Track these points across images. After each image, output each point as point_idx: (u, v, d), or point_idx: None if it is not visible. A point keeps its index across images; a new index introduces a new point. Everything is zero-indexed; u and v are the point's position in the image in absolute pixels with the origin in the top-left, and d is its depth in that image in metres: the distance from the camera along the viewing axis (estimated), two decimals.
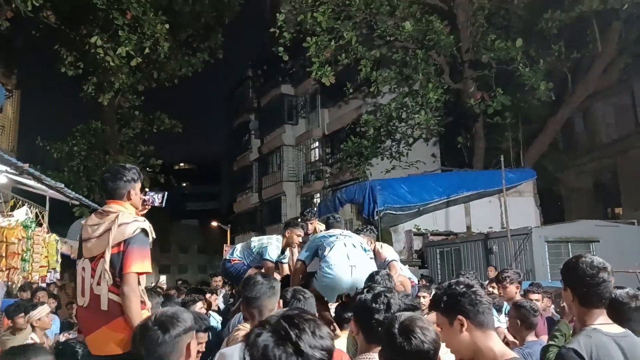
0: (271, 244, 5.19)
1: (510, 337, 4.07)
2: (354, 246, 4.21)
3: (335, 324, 3.53)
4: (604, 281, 2.24)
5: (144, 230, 2.92)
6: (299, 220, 5.67)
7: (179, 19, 19.13)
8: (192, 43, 21.30)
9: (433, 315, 2.10)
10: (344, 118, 23.07)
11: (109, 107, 19.46)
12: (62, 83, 30.41)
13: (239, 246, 5.66)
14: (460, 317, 1.94)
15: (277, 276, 4.68)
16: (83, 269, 2.97)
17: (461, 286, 2.00)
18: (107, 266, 2.83)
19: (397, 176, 18.50)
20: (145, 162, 20.92)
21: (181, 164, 63.02)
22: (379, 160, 19.85)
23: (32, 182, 8.42)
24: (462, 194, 16.88)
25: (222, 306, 7.22)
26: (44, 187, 8.88)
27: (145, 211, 3.32)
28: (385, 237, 14.94)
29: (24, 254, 7.98)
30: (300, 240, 5.23)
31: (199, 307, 4.99)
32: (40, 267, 8.80)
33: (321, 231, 5.45)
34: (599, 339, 2.19)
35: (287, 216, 23.80)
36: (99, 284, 2.87)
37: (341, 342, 3.11)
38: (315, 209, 14.66)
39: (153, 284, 17.13)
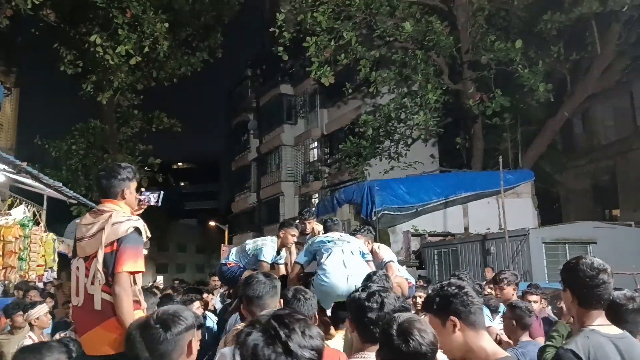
0: (266, 245, 5.18)
1: (504, 338, 4.08)
2: (352, 253, 4.20)
3: (331, 324, 3.53)
4: (604, 283, 2.25)
5: (137, 229, 2.90)
6: (296, 220, 5.66)
7: (178, 18, 19.13)
8: (191, 42, 21.32)
9: None
10: (342, 118, 23.08)
11: (108, 105, 19.46)
12: (62, 81, 30.37)
13: (234, 250, 5.68)
14: (452, 317, 1.97)
15: None
16: (77, 268, 2.95)
17: (453, 287, 2.03)
18: (100, 266, 2.80)
19: (396, 177, 18.50)
20: (143, 161, 20.93)
21: (180, 163, 63.07)
22: (378, 160, 19.85)
23: (30, 181, 8.41)
24: (460, 194, 16.89)
25: (219, 306, 7.20)
26: (42, 185, 8.88)
27: (141, 211, 3.29)
28: (383, 237, 14.94)
29: (21, 253, 7.98)
30: (295, 240, 5.22)
31: (196, 306, 4.99)
32: (38, 265, 8.81)
33: (319, 232, 5.44)
34: (596, 340, 2.20)
35: (285, 216, 23.79)
36: (92, 283, 2.84)
37: (337, 341, 3.11)
38: (313, 209, 14.63)
39: (150, 284, 17.16)
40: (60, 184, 9.21)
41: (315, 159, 26.23)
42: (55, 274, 10.59)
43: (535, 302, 5.49)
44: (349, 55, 18.13)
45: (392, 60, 18.64)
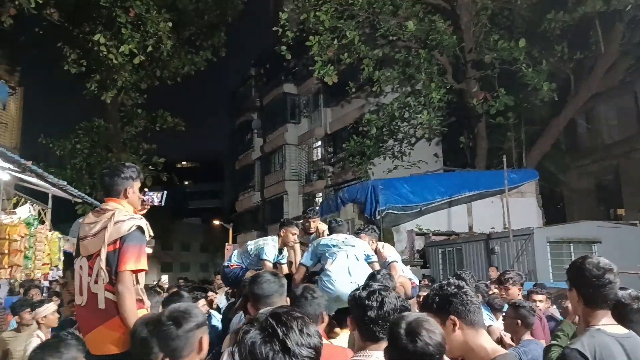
0: (267, 245, 5.22)
1: (507, 339, 4.08)
2: (357, 259, 4.22)
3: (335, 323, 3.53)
4: (610, 282, 2.26)
5: (139, 228, 2.90)
6: (300, 220, 5.69)
7: (182, 17, 19.16)
8: (195, 41, 21.34)
9: None
10: (346, 117, 23.08)
11: (112, 105, 19.50)
12: (65, 81, 30.39)
13: (236, 252, 5.73)
14: (452, 317, 2.00)
15: None
16: (81, 267, 2.96)
17: (452, 287, 2.06)
18: (103, 264, 2.80)
19: (400, 176, 18.49)
20: (148, 160, 20.99)
21: (184, 162, 63.13)
22: (381, 159, 19.83)
23: (35, 180, 8.43)
24: (464, 194, 16.86)
25: (223, 304, 7.21)
26: (46, 184, 8.89)
27: (144, 211, 3.30)
28: (387, 236, 14.94)
29: (27, 252, 8.00)
30: (296, 239, 5.25)
31: (202, 304, 5.01)
32: (43, 264, 8.83)
33: (323, 231, 5.46)
34: (602, 340, 2.20)
35: (289, 215, 23.82)
36: (96, 282, 2.84)
37: (342, 340, 3.12)
38: (317, 208, 14.64)
39: (155, 283, 17.21)
40: (65, 183, 9.21)
41: (319, 158, 26.23)
42: (60, 273, 10.64)
43: (540, 301, 5.48)
44: (352, 54, 18.12)
45: (395, 60, 18.60)
